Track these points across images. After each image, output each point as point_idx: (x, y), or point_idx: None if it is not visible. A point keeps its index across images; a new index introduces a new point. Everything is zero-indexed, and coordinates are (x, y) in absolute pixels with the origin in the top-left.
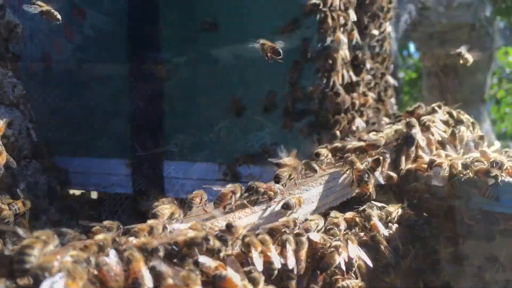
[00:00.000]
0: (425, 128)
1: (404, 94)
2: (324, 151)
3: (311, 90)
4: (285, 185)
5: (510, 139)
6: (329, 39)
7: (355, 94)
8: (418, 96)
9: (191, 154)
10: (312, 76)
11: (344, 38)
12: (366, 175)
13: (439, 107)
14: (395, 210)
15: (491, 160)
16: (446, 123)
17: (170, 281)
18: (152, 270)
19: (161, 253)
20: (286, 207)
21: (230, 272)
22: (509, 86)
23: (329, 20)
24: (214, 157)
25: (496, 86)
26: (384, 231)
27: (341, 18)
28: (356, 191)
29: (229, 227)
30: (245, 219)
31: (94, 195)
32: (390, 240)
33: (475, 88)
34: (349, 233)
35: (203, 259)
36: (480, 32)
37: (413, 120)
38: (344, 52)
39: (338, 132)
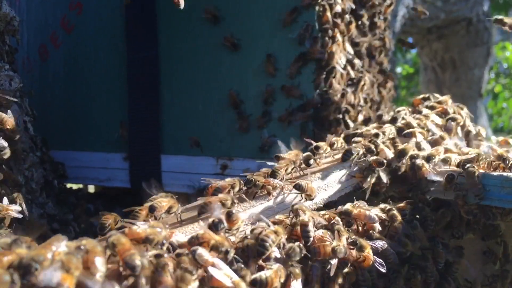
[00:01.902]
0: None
1: (401, 89)
2: (323, 145)
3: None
4: (283, 179)
5: (507, 134)
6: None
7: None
8: (415, 91)
9: (189, 148)
10: (312, 73)
11: (342, 32)
12: (349, 153)
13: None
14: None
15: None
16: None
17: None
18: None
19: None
20: (298, 187)
21: (214, 270)
22: (506, 81)
23: (328, 14)
24: (212, 151)
25: (494, 81)
26: (378, 226)
27: (340, 10)
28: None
29: (229, 214)
30: (243, 213)
31: (91, 189)
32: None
33: (473, 83)
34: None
35: (201, 250)
36: (477, 26)
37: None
38: (343, 46)
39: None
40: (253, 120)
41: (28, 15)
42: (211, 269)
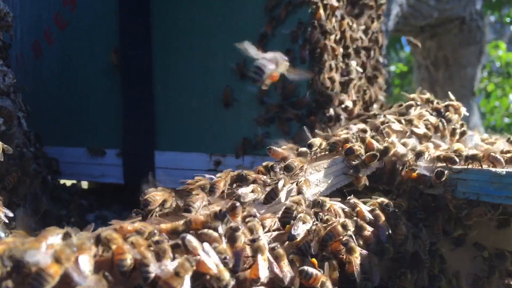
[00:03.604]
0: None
1: (394, 87)
2: (317, 142)
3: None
4: (294, 175)
5: (499, 132)
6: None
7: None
8: (408, 89)
9: (182, 144)
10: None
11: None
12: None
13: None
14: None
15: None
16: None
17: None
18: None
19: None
20: (288, 169)
21: (205, 256)
22: (499, 79)
23: (321, 12)
24: (205, 148)
25: (486, 79)
26: (370, 216)
27: (333, 9)
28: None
29: (233, 207)
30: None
31: (85, 185)
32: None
33: (465, 82)
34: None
35: (189, 237)
36: (470, 25)
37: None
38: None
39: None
40: (249, 117)
41: (21, 11)
42: (202, 254)
